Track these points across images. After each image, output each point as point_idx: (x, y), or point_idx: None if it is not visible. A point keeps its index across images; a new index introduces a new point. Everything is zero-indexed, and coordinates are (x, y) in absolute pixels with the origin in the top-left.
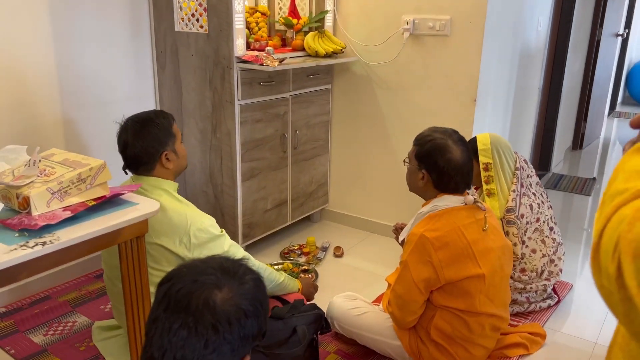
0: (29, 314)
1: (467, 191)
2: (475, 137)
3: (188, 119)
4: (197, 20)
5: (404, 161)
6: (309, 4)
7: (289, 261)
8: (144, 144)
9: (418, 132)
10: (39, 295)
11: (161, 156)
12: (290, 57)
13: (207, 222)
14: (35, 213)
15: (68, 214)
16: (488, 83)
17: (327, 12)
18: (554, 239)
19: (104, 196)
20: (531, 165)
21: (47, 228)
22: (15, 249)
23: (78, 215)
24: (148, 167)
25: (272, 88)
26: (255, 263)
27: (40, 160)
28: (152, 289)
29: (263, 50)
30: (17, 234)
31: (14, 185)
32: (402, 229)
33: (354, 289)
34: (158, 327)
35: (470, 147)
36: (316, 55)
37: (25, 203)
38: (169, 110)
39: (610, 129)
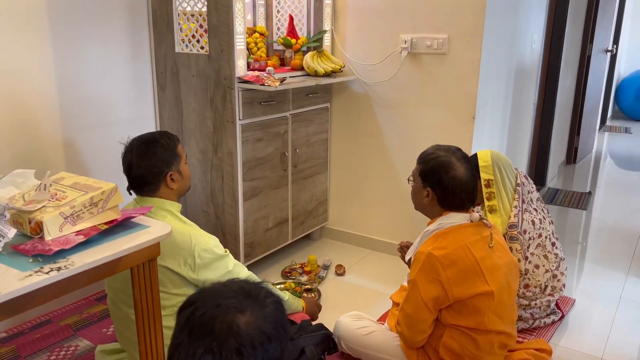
0: (30, 339)
1: (472, 208)
2: (475, 154)
3: (189, 139)
4: (198, 41)
5: (408, 179)
6: (307, 24)
7: (291, 280)
8: (148, 164)
9: (417, 149)
10: (40, 319)
11: (166, 177)
12: (290, 77)
13: (212, 243)
14: (48, 238)
15: (81, 238)
16: (486, 100)
17: (325, 32)
18: (556, 254)
19: (116, 219)
20: (531, 181)
21: (61, 253)
22: (30, 275)
23: (91, 239)
24: (152, 188)
25: (272, 107)
26: (277, 291)
27: (50, 185)
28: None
29: (263, 70)
30: (30, 260)
31: (25, 210)
32: (407, 247)
33: (357, 307)
34: (182, 352)
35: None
36: (315, 74)
37: (38, 228)
38: (169, 131)
39: (601, 143)
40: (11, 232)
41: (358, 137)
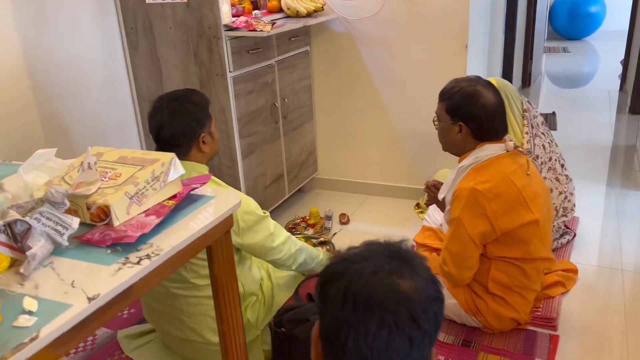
0: None
1: (505, 137)
2: None
3: None
4: None
5: (433, 121)
6: None
7: (299, 235)
8: (182, 124)
9: (408, 87)
10: None
11: (198, 138)
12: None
13: (252, 205)
14: (117, 223)
15: (153, 218)
16: (477, 28)
17: None
18: (566, 175)
19: (179, 194)
20: (534, 106)
21: (141, 238)
22: (120, 268)
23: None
24: (183, 151)
25: (259, 55)
26: (297, 242)
27: (95, 162)
28: (199, 282)
29: (239, 17)
30: (109, 251)
31: (81, 194)
32: (435, 186)
33: None
34: (351, 332)
35: None
36: (297, 15)
37: (102, 213)
38: (148, 93)
39: (548, 64)
40: (75, 222)
41: (343, 80)
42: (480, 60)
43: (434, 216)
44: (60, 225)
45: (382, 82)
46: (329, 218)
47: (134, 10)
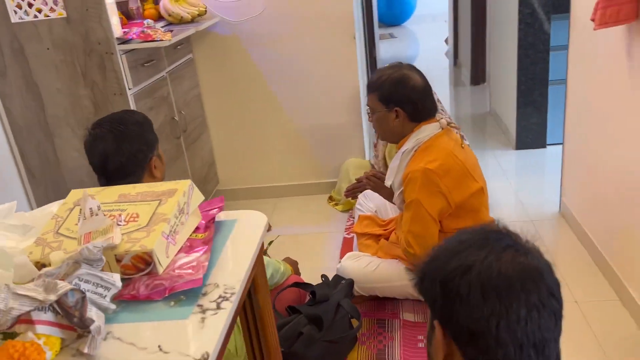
0: None
1: (437, 116)
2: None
3: (60, 129)
4: (46, 3)
5: (367, 113)
6: None
7: None
8: (131, 149)
9: (304, 82)
10: None
11: (150, 163)
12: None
13: None
14: (161, 270)
15: (199, 255)
16: (358, 18)
17: None
18: None
19: (203, 225)
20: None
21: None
22: (204, 317)
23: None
24: (135, 180)
25: (153, 68)
26: (272, 261)
27: (99, 207)
28: None
29: (130, 28)
30: (172, 303)
31: (109, 246)
32: (374, 176)
33: (314, 254)
34: (501, 322)
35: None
36: (181, 21)
37: (142, 262)
38: (26, 125)
39: (383, 51)
40: (116, 279)
41: (234, 85)
42: (362, 50)
43: (367, 204)
44: (102, 286)
45: (276, 81)
46: None
47: None
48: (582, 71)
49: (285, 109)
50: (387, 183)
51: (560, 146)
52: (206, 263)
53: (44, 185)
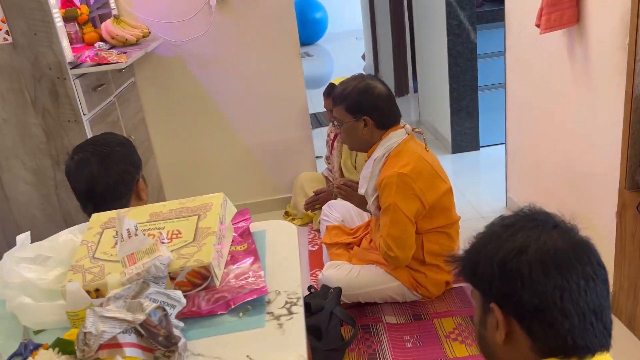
0: None
1: (401, 122)
2: (332, 85)
3: (7, 162)
4: None
5: (336, 125)
6: None
7: None
8: (119, 170)
9: (253, 99)
10: None
11: (138, 184)
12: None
13: None
14: (218, 283)
15: (249, 266)
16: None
17: None
18: None
19: (238, 237)
20: None
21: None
22: (280, 324)
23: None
24: (124, 202)
25: (104, 92)
26: None
27: (136, 227)
28: None
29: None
30: (240, 314)
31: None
32: (345, 185)
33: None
34: (564, 294)
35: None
36: (124, 44)
37: (199, 277)
38: None
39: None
40: (180, 296)
41: (179, 106)
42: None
43: (333, 214)
44: (168, 304)
45: (223, 100)
46: None
47: None
48: (520, 74)
49: (234, 128)
50: (361, 191)
51: (493, 147)
52: (261, 272)
53: None
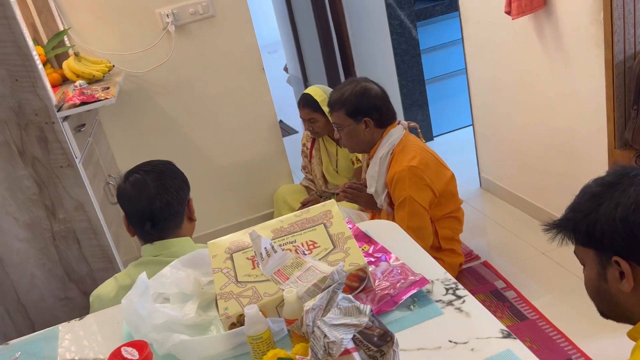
0: None
1: (398, 119)
2: (306, 95)
3: None
4: None
5: (337, 130)
6: (31, 32)
7: None
8: (174, 185)
9: (221, 122)
10: None
11: (189, 203)
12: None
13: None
14: (371, 283)
15: (390, 263)
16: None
17: (65, 31)
18: None
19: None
20: None
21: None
22: (458, 308)
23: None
24: (179, 220)
25: (85, 133)
26: None
27: (272, 244)
28: None
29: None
30: (411, 306)
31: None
32: (352, 187)
33: None
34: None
35: (308, 103)
36: (92, 80)
37: (356, 280)
38: None
39: None
40: (355, 300)
41: (146, 137)
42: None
43: None
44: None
45: (191, 125)
46: None
47: None
48: (482, 61)
49: (206, 152)
50: (370, 190)
51: (446, 135)
52: (405, 263)
53: None
